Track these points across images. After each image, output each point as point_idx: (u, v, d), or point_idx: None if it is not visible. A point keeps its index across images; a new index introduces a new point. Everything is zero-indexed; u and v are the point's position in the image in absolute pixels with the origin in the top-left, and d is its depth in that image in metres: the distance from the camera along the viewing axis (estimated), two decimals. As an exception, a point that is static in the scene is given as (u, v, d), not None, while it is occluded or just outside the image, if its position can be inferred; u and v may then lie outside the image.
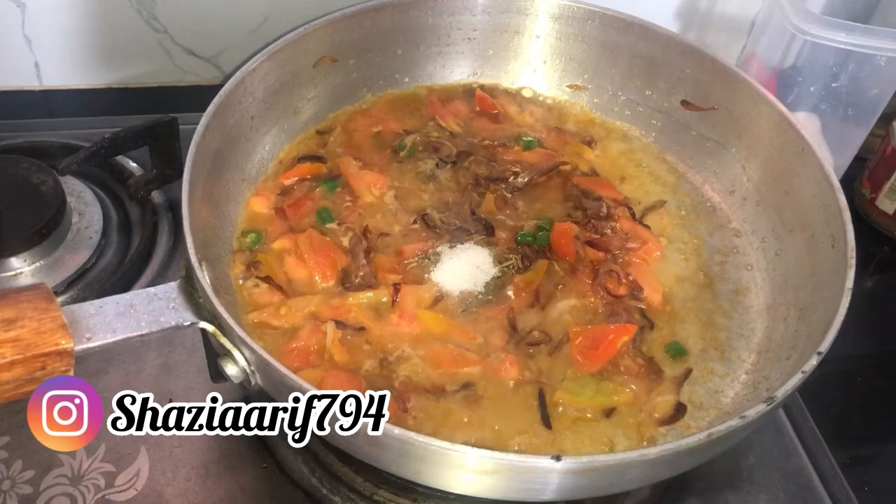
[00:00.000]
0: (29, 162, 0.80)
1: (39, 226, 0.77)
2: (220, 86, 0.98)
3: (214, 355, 0.61)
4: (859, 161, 1.01)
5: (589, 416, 0.60)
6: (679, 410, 0.61)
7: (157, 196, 0.86)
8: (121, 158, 0.87)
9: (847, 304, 0.56)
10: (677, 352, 0.65)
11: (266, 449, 0.68)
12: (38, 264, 0.78)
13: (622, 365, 0.63)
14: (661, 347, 0.65)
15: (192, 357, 0.74)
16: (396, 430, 0.47)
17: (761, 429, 0.73)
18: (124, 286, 0.79)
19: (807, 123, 1.03)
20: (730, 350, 0.66)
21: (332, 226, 0.70)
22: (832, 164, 1.00)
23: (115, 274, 0.79)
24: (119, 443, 0.69)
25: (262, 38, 0.97)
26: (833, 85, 0.97)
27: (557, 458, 0.46)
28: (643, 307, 0.67)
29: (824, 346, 0.54)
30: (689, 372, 0.64)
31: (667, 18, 1.10)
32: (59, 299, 0.78)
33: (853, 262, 0.59)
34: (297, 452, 0.67)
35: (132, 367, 0.73)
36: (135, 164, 0.88)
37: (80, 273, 0.79)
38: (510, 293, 0.66)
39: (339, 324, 0.63)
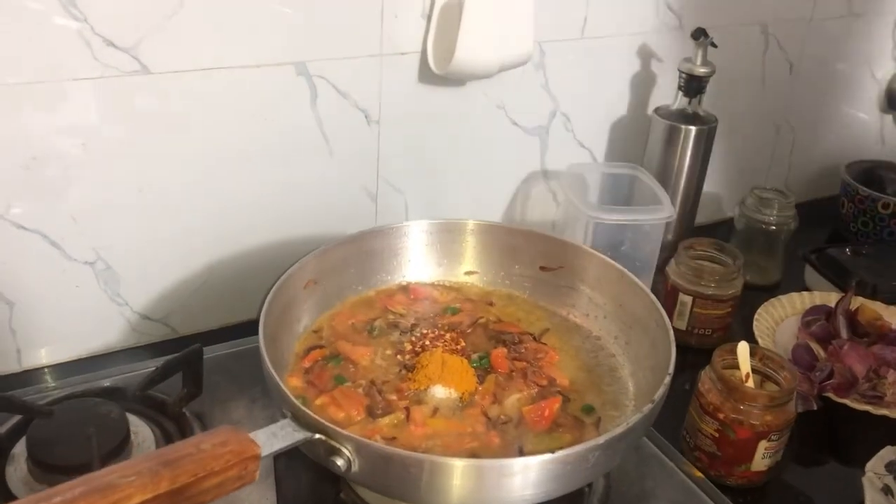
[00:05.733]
0: (96, 400, 1.05)
1: (118, 442, 0.99)
2: (174, 339, 1.24)
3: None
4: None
5: (550, 456, 0.94)
6: (601, 440, 0.97)
7: (186, 411, 1.13)
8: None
9: (674, 355, 0.97)
10: (588, 409, 1.00)
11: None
12: (118, 474, 1.01)
13: (559, 423, 0.98)
14: (579, 409, 1.01)
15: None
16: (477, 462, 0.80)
17: (649, 464, 1.10)
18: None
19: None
20: (618, 402, 1.02)
21: (348, 384, 1.02)
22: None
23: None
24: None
25: (204, 295, 1.24)
26: (621, 249, 1.35)
27: (553, 452, 0.81)
28: (559, 389, 1.03)
29: (671, 368, 0.93)
30: (599, 419, 1.00)
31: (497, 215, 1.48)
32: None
33: (671, 325, 1.01)
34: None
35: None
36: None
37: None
38: (477, 398, 1.01)
39: (382, 438, 0.94)
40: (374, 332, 1.11)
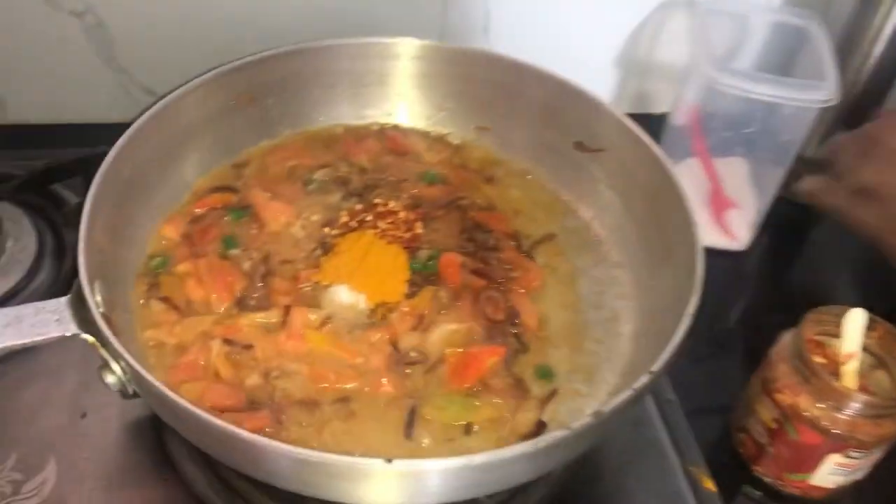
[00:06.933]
0: (-35, 189, 0.87)
1: None
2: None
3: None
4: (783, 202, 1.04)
5: (454, 430, 0.65)
6: (539, 427, 0.65)
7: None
8: (60, 188, 0.94)
9: (685, 328, 0.61)
10: (545, 373, 0.69)
11: (169, 463, 0.72)
12: (-31, 285, 0.84)
13: (490, 385, 0.67)
14: (532, 369, 0.70)
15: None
16: (244, 434, 0.52)
17: (642, 450, 0.78)
18: (54, 306, 0.85)
19: (736, 167, 1.09)
20: (596, 373, 0.70)
21: (236, 252, 0.75)
22: (756, 205, 1.06)
23: (45, 295, 0.84)
24: (29, 453, 0.72)
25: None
26: (744, 131, 1.02)
27: (389, 461, 0.51)
28: (519, 332, 0.72)
29: (657, 367, 0.58)
30: (554, 392, 0.68)
31: (606, 66, 1.17)
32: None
33: (699, 287, 0.64)
34: (198, 468, 0.71)
35: (51, 382, 0.78)
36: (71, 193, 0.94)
37: (12, 294, 0.84)
38: (395, 318, 0.71)
39: (228, 342, 0.67)
40: (309, 186, 0.81)
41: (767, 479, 0.80)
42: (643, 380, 0.57)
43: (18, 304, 0.82)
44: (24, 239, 0.88)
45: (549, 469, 0.57)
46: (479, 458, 0.52)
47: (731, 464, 0.82)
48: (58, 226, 0.92)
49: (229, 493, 0.70)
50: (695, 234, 0.68)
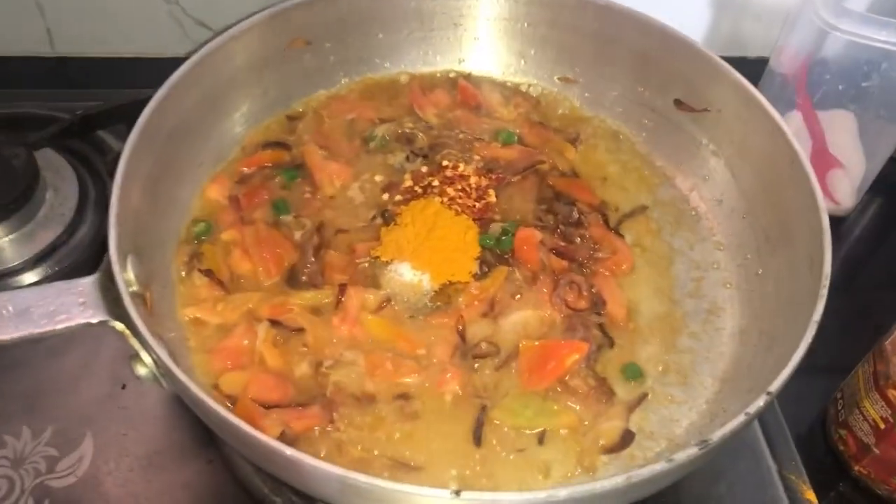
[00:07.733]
0: (3, 135, 0.80)
1: (7, 200, 0.76)
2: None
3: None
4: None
5: (526, 438, 0.57)
6: (626, 438, 0.57)
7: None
8: (105, 134, 0.88)
9: (810, 339, 0.51)
10: (634, 374, 0.61)
11: (213, 444, 0.67)
12: (8, 238, 0.78)
13: (572, 384, 0.59)
14: (618, 368, 0.61)
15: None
16: (288, 451, 0.44)
17: (735, 452, 0.69)
18: (96, 262, 0.79)
19: (843, 122, 0.97)
20: (693, 375, 0.61)
21: (288, 218, 0.67)
22: (863, 166, 0.94)
23: (87, 250, 0.79)
24: (66, 427, 0.68)
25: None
26: (863, 84, 0.91)
27: (457, 493, 0.43)
28: (604, 323, 0.63)
29: (775, 386, 0.49)
30: (644, 396, 0.60)
31: (701, 5, 1.05)
32: (27, 274, 0.79)
33: (825, 291, 0.53)
34: (243, 451, 0.65)
35: (91, 348, 0.73)
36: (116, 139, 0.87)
37: (51, 249, 0.78)
38: (462, 301, 0.63)
39: (276, 324, 0.60)
40: (371, 144, 0.72)
41: (869, 482, 0.72)
42: (759, 403, 0.48)
43: (59, 258, 0.79)
44: (66, 189, 0.82)
45: (639, 499, 0.49)
46: (563, 493, 0.44)
47: (826, 460, 0.74)
48: (101, 174, 0.86)
49: (276, 482, 0.64)
50: (821, 220, 0.58)
